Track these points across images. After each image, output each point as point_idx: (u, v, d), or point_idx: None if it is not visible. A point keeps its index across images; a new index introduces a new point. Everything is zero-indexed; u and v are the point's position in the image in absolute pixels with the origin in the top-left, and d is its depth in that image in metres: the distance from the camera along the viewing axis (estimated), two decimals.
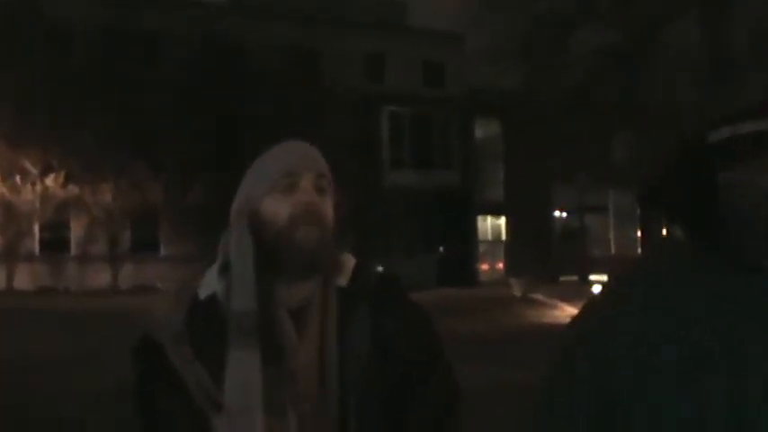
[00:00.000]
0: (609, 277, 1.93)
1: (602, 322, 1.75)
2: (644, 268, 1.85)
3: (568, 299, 28.37)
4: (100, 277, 31.66)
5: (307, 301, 2.07)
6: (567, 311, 27.01)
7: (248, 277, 2.01)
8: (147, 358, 2.07)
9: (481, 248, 40.24)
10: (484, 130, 40.65)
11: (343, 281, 2.13)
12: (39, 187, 30.37)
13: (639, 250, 42.67)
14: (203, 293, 2.09)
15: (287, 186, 2.08)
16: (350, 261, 2.19)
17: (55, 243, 32.24)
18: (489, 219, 41.09)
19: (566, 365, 1.76)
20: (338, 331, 2.06)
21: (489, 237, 41.12)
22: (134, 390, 2.10)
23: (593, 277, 35.12)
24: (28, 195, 30.39)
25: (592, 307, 1.86)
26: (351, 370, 2.04)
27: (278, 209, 2.06)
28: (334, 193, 2.18)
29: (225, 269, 2.07)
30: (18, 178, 29.97)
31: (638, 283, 1.78)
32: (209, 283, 2.09)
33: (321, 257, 2.07)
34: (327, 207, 2.12)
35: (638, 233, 43.50)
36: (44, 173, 30.27)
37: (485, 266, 39.98)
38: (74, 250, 32.73)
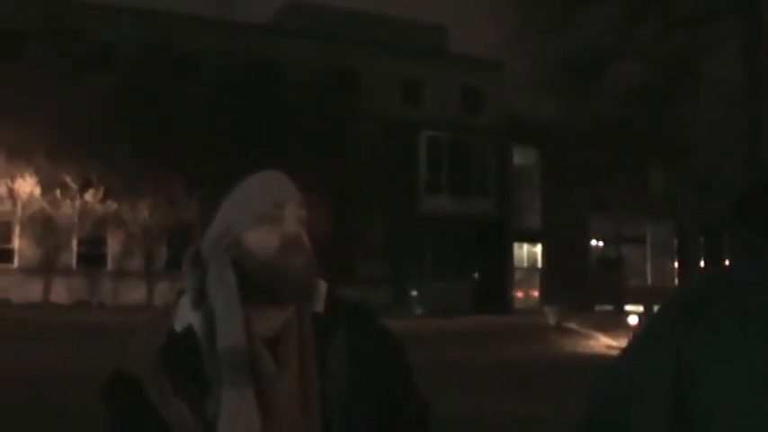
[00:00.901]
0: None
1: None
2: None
3: (603, 328, 28.20)
4: (135, 293, 31.82)
5: (282, 329, 2.06)
6: (602, 341, 26.83)
7: (235, 312, 1.99)
8: (123, 393, 2.02)
9: (516, 276, 40.08)
10: (521, 157, 40.57)
11: (318, 307, 2.13)
12: (78, 202, 30.65)
13: (676, 281, 42.42)
14: (179, 325, 2.06)
15: (274, 218, 2.07)
16: (322, 287, 2.17)
17: (92, 258, 32.48)
18: (525, 246, 40.94)
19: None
20: (317, 355, 2.06)
21: (525, 264, 40.96)
22: (109, 425, 2.06)
23: (628, 307, 34.87)
24: (67, 210, 30.67)
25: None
26: (332, 390, 2.04)
27: (266, 240, 2.05)
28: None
29: (200, 299, 2.05)
30: (58, 193, 30.26)
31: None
32: (185, 314, 2.07)
33: (308, 286, 2.08)
34: (306, 237, 2.12)
35: (675, 264, 43.28)
36: (83, 188, 30.54)
37: (520, 294, 39.81)
38: (110, 265, 32.94)
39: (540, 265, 40.87)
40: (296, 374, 2.02)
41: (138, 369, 2.01)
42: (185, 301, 2.08)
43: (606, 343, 26.55)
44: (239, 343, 1.96)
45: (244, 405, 1.93)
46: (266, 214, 2.07)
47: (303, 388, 2.02)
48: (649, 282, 43.01)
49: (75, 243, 32.20)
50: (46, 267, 30.86)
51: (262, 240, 2.06)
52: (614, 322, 28.38)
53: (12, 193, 30.22)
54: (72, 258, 32.35)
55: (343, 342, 2.10)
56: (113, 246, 33.00)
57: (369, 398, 2.09)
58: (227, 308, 2.00)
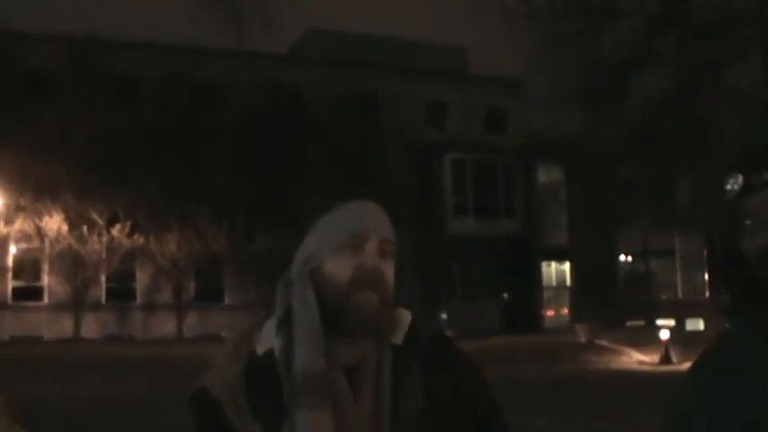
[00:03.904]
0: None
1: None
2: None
3: (635, 344, 28.00)
4: (165, 326, 31.91)
5: (362, 359, 2.05)
6: (635, 357, 26.65)
7: (316, 335, 2.00)
8: (204, 411, 2.07)
9: (546, 295, 39.91)
10: (546, 175, 40.47)
11: (397, 338, 2.10)
12: (105, 237, 30.78)
13: (707, 293, 42.14)
14: (261, 349, 2.08)
15: (352, 247, 2.07)
16: (406, 317, 2.16)
17: (121, 292, 32.61)
18: (554, 264, 40.78)
19: None
20: (392, 388, 2.03)
21: (554, 283, 40.78)
22: None
23: (660, 322, 34.63)
24: (95, 245, 30.81)
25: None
26: (403, 426, 2.01)
27: (341, 269, 2.05)
28: (396, 255, 2.16)
29: (283, 324, 2.06)
30: (85, 228, 30.40)
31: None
32: (267, 338, 2.09)
33: (379, 321, 2.05)
34: (389, 270, 2.11)
35: (706, 276, 42.94)
36: (110, 223, 30.68)
37: (550, 313, 39.63)
38: (139, 299, 33.05)
39: (568, 283, 40.68)
40: (370, 405, 2.01)
41: (219, 389, 2.05)
42: (270, 326, 2.11)
43: (638, 358, 26.38)
44: (318, 366, 1.97)
45: (319, 427, 1.94)
46: (347, 243, 2.08)
47: (374, 422, 2.00)
48: (680, 295, 42.71)
49: (103, 278, 32.35)
50: (75, 303, 30.98)
51: (339, 268, 2.07)
52: (646, 337, 28.16)
53: (39, 231, 30.40)
54: (101, 293, 32.49)
55: (420, 378, 2.07)
56: (142, 280, 33.11)
57: None
58: (307, 330, 2.02)
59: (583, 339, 30.40)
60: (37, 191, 29.54)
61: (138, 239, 31.01)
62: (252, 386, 2.03)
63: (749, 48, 23.79)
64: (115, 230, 30.70)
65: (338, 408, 1.97)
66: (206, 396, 2.07)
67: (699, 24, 23.64)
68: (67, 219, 30.23)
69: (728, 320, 1.90)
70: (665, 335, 25.95)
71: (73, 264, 31.01)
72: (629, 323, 36.57)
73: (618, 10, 23.78)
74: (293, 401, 1.96)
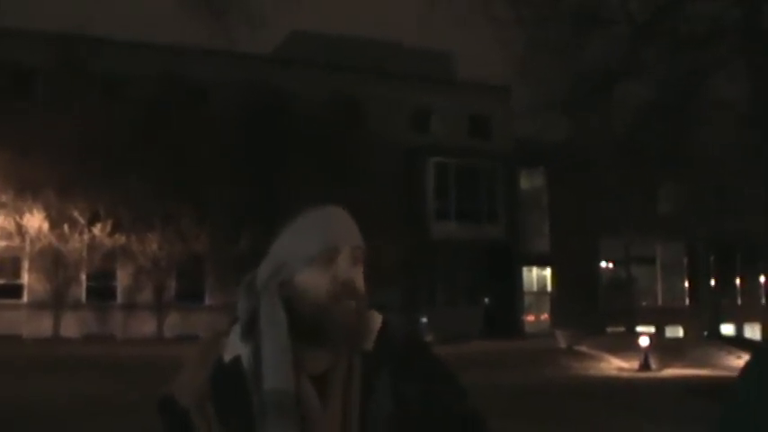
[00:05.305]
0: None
1: None
2: None
3: (615, 350, 28.12)
4: (145, 326, 31.78)
5: (330, 366, 2.03)
6: (614, 363, 26.75)
7: (284, 352, 1.98)
8: (171, 419, 2.04)
9: (527, 300, 39.97)
10: (529, 181, 40.57)
11: (368, 344, 2.08)
12: (86, 236, 30.64)
13: (687, 301, 42.32)
14: (228, 356, 2.05)
15: (326, 261, 2.04)
16: (377, 321, 2.13)
17: (101, 291, 32.42)
18: (535, 270, 40.84)
19: None
20: (361, 396, 2.01)
21: (535, 288, 40.85)
22: None
23: (640, 328, 34.75)
24: (76, 244, 30.65)
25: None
26: None
27: (317, 283, 2.03)
28: (365, 258, 2.14)
29: (248, 332, 2.04)
30: (66, 227, 30.26)
31: None
32: (234, 345, 2.06)
33: (358, 330, 2.04)
34: (361, 277, 2.10)
35: (686, 284, 43.12)
36: (92, 222, 30.55)
37: (530, 318, 39.70)
38: (120, 299, 32.89)
39: (549, 288, 40.76)
40: (339, 415, 1.99)
41: (186, 396, 2.02)
42: (236, 331, 2.08)
43: (618, 365, 26.49)
44: (287, 386, 1.94)
45: None
46: (319, 256, 2.05)
47: (344, 425, 1.98)
48: (660, 302, 42.88)
49: (84, 277, 32.16)
50: (55, 302, 30.80)
51: (313, 282, 2.03)
52: (626, 344, 28.28)
53: (20, 229, 30.22)
54: (81, 292, 32.30)
55: (389, 384, 2.04)
56: (123, 279, 32.96)
57: None
58: (276, 348, 1.98)
59: (562, 345, 30.51)
60: (19, 188, 29.39)
61: (120, 238, 30.88)
62: (219, 394, 2.01)
63: (734, 58, 23.87)
64: (96, 229, 30.57)
65: (307, 419, 1.95)
66: (173, 403, 2.04)
67: (684, 33, 23.70)
68: (49, 217, 30.07)
69: None
70: (644, 341, 26.06)
71: (53, 262, 30.84)
72: (609, 329, 36.70)
73: (604, 18, 23.81)
74: (262, 420, 1.93)
